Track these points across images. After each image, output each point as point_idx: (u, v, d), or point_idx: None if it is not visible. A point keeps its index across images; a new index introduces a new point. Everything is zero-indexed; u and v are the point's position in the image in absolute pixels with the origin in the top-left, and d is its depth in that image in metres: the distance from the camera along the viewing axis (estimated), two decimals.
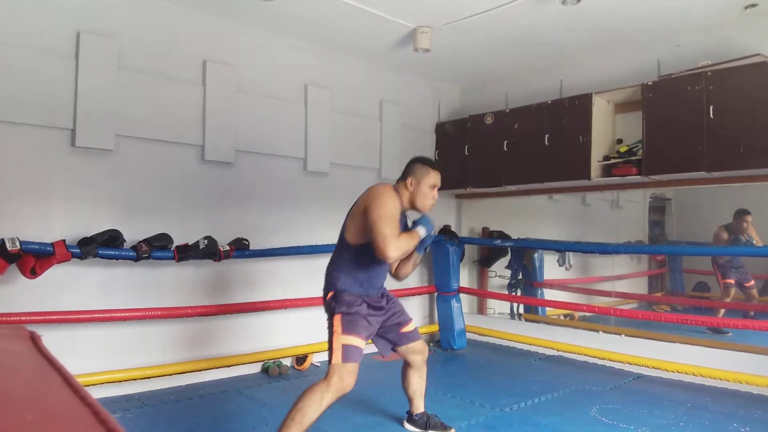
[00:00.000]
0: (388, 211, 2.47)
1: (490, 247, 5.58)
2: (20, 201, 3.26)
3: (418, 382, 3.00)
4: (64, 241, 3.20)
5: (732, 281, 5.16)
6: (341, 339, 2.51)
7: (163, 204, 3.83)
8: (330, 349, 2.56)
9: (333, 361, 2.50)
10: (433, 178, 2.70)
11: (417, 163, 2.75)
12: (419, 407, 3.03)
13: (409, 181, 2.70)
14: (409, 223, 2.65)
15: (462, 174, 5.26)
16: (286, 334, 4.34)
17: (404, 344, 2.88)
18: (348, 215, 2.68)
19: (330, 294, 2.64)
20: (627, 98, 4.37)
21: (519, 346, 5.06)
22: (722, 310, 5.17)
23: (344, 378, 2.46)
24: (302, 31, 4.37)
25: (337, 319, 2.56)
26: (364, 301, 2.62)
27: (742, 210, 4.93)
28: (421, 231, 2.59)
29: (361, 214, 2.54)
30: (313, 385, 2.48)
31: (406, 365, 2.99)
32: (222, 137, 4.05)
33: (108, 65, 3.53)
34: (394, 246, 2.41)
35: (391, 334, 2.85)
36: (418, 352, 2.93)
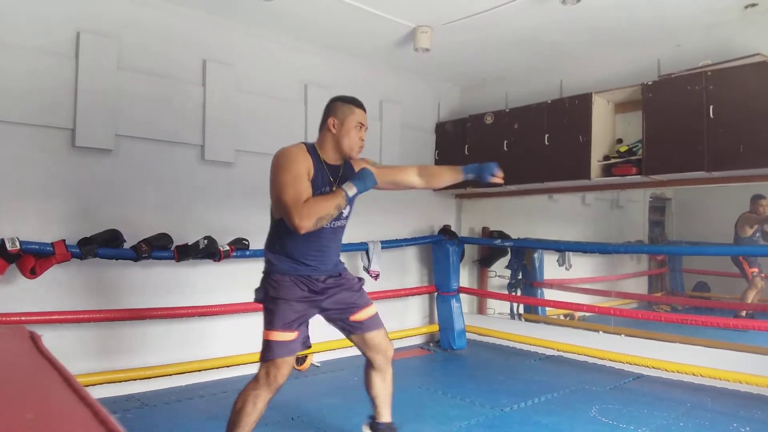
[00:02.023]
0: (287, 174, 2.16)
1: (490, 247, 5.58)
2: (20, 201, 3.26)
3: (380, 386, 2.54)
4: (64, 241, 3.20)
5: (757, 270, 4.92)
6: (265, 333, 2.27)
7: (163, 204, 3.83)
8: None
9: (260, 357, 2.29)
10: (359, 115, 2.37)
11: (337, 101, 2.41)
12: (383, 416, 2.60)
13: (330, 122, 2.35)
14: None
15: None
16: None
17: (356, 334, 2.45)
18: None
19: (262, 278, 2.37)
20: (627, 98, 4.37)
21: (519, 346, 5.06)
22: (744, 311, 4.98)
23: (271, 373, 2.24)
24: (302, 31, 4.37)
25: (264, 308, 2.32)
26: (294, 282, 2.28)
27: (757, 195, 4.77)
28: (350, 188, 2.23)
29: (271, 184, 2.27)
30: (245, 387, 2.31)
31: (368, 364, 2.55)
32: (222, 137, 4.05)
33: (108, 65, 3.53)
34: (302, 214, 2.09)
35: (339, 322, 2.46)
36: (377, 350, 2.48)
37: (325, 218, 2.18)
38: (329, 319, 2.48)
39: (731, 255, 5.04)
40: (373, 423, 2.64)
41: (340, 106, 2.40)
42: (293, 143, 2.39)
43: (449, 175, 2.72)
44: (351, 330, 2.47)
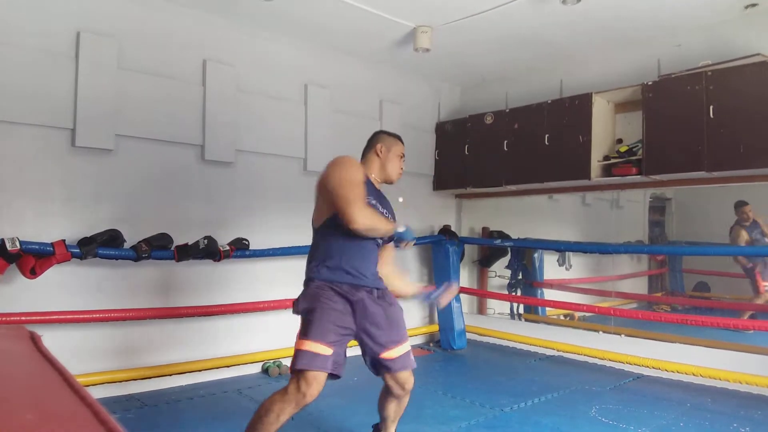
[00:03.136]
0: (349, 175, 2.25)
1: (490, 247, 5.58)
2: (20, 201, 3.26)
3: (394, 410, 2.58)
4: (64, 241, 3.20)
5: None
6: (299, 344, 2.21)
7: (163, 204, 3.82)
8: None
9: (295, 365, 2.19)
10: (401, 148, 2.63)
11: (383, 134, 2.67)
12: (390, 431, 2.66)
13: (378, 147, 2.56)
14: (397, 227, 2.39)
15: (462, 174, 5.27)
16: (286, 334, 4.32)
17: (391, 372, 2.38)
18: (316, 192, 2.45)
19: (305, 285, 2.38)
20: (627, 98, 4.37)
21: (519, 346, 5.05)
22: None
23: (301, 387, 2.14)
24: (302, 31, 4.37)
25: (300, 321, 2.29)
26: (334, 291, 2.26)
27: (739, 202, 4.78)
28: (399, 226, 2.37)
29: (320, 190, 2.35)
30: (273, 394, 2.23)
31: (385, 388, 2.52)
32: (222, 137, 4.05)
33: (108, 65, 3.53)
34: (363, 212, 2.17)
35: (367, 355, 2.38)
36: (401, 387, 2.43)
37: (373, 232, 2.27)
38: (362, 346, 2.37)
39: (731, 255, 5.04)
40: None
41: (385, 137, 2.63)
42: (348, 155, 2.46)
43: (395, 284, 2.72)
44: (380, 368, 2.39)
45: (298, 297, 2.34)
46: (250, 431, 2.22)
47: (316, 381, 2.16)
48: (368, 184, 2.41)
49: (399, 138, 2.67)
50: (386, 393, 2.53)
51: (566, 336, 4.74)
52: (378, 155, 2.56)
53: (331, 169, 2.32)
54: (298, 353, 2.19)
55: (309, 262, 2.40)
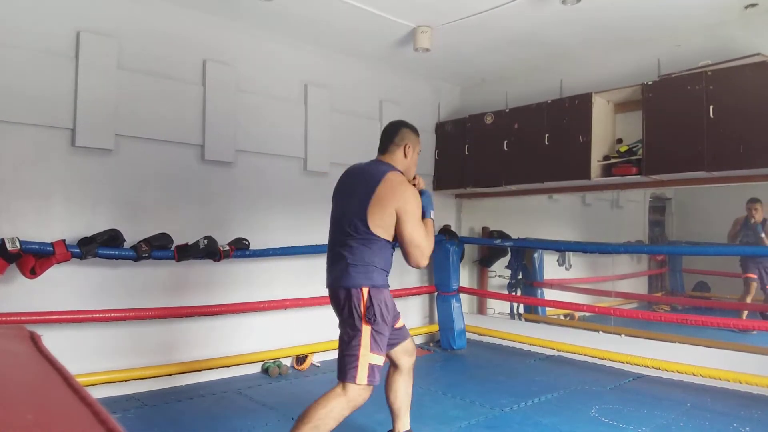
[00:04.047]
0: (418, 214, 2.32)
1: (490, 247, 5.58)
2: (20, 201, 3.26)
3: (405, 392, 2.62)
4: (64, 241, 3.20)
5: (754, 276, 4.93)
6: (368, 357, 2.22)
7: (163, 204, 3.82)
8: (348, 357, 2.24)
9: (357, 380, 2.20)
10: (419, 144, 2.61)
11: (407, 128, 2.55)
12: (405, 424, 2.66)
13: (407, 148, 2.49)
14: None
15: (462, 174, 5.26)
16: (286, 334, 4.33)
17: (398, 343, 2.53)
18: (366, 201, 2.31)
19: (351, 291, 2.27)
20: (627, 98, 4.37)
21: (519, 346, 5.05)
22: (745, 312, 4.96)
23: (362, 394, 2.24)
24: (302, 31, 4.37)
25: (367, 332, 2.23)
26: (392, 300, 2.37)
27: (752, 198, 4.76)
28: (431, 214, 2.45)
29: (387, 210, 2.28)
30: (329, 398, 2.22)
31: (394, 371, 2.61)
32: (222, 137, 4.05)
33: (108, 65, 3.53)
34: (428, 255, 2.32)
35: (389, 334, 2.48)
36: (409, 353, 2.61)
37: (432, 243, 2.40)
38: None
39: (731, 255, 5.03)
40: None
41: (412, 136, 2.55)
42: (396, 171, 2.45)
43: None
44: (393, 338, 2.48)
45: (360, 302, 2.25)
46: (309, 428, 2.17)
47: (371, 391, 2.30)
48: None
49: (418, 133, 2.64)
50: (395, 375, 2.61)
51: (566, 336, 4.74)
52: (405, 156, 2.52)
53: (404, 205, 2.29)
54: (370, 368, 2.22)
55: (364, 264, 2.29)
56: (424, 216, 2.40)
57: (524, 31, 4.26)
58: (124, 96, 3.59)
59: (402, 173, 2.45)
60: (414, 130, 2.59)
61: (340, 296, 2.32)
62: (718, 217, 5.09)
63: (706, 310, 5.34)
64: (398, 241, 2.36)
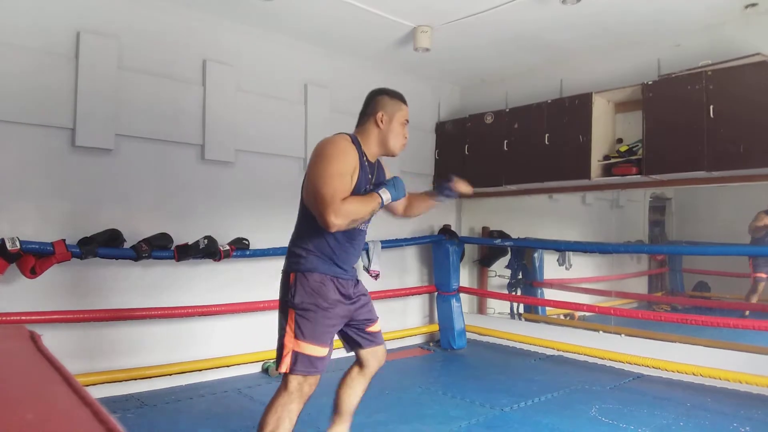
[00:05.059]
0: (331, 166, 1.98)
1: (490, 246, 5.58)
2: (20, 201, 3.26)
3: (358, 395, 2.40)
4: (64, 240, 3.20)
5: (764, 275, 4.85)
6: (293, 344, 2.05)
7: (163, 204, 3.83)
8: (280, 348, 2.11)
9: (280, 367, 2.07)
10: (406, 112, 2.28)
11: (384, 95, 2.28)
12: (346, 427, 2.43)
13: (379, 116, 2.21)
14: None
15: (462, 174, 5.16)
16: None
17: (369, 347, 2.34)
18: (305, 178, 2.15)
19: (292, 276, 2.11)
20: (627, 98, 4.37)
21: (519, 346, 5.06)
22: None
23: (304, 388, 2.08)
24: (302, 31, 4.37)
25: (291, 315, 2.07)
26: (333, 284, 2.11)
27: None
28: (384, 194, 2.09)
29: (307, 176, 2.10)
30: (273, 400, 2.09)
31: (356, 371, 2.40)
32: (222, 137, 4.05)
33: (108, 65, 3.53)
34: (338, 211, 1.91)
35: (356, 332, 2.31)
36: (378, 360, 2.39)
37: (358, 221, 2.05)
38: (348, 327, 2.30)
39: (731, 255, 5.02)
40: None
41: (388, 101, 2.26)
42: (338, 133, 2.19)
43: (425, 205, 2.60)
44: (364, 341, 2.33)
45: (291, 285, 2.08)
46: None
47: (315, 381, 2.13)
48: (363, 169, 2.14)
49: (403, 99, 2.32)
50: (354, 374, 2.41)
51: (566, 336, 4.74)
52: (378, 125, 2.22)
53: (313, 160, 2.05)
54: (294, 355, 2.05)
55: (300, 246, 2.14)
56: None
57: (524, 31, 4.26)
58: (124, 96, 3.59)
59: (350, 137, 2.19)
60: (392, 95, 2.30)
61: (282, 279, 2.19)
62: (718, 217, 5.09)
63: (706, 310, 5.34)
64: (303, 202, 2.14)
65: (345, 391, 2.40)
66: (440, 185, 2.52)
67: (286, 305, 2.11)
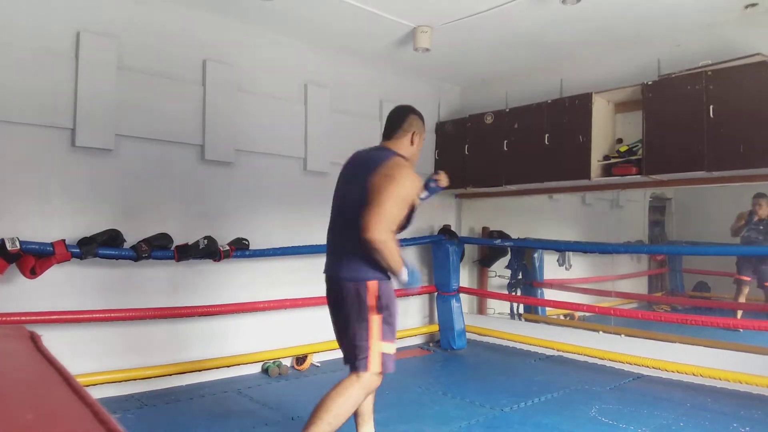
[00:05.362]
0: (402, 190, 2.19)
1: (490, 246, 5.58)
2: (20, 201, 3.26)
3: (372, 395, 2.55)
4: (63, 240, 3.20)
5: (747, 278, 4.88)
6: (380, 346, 2.25)
7: (163, 204, 3.82)
8: (359, 348, 2.24)
9: (369, 368, 2.23)
10: (425, 132, 2.55)
11: (416, 115, 2.48)
12: (372, 428, 2.59)
13: (414, 136, 2.43)
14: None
15: (462, 174, 5.26)
16: (286, 334, 4.33)
17: None
18: (365, 188, 2.24)
19: (358, 284, 2.25)
20: (627, 98, 4.37)
21: (519, 346, 5.05)
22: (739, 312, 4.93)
23: (376, 381, 2.29)
24: (302, 31, 4.37)
25: (377, 321, 2.24)
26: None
27: (757, 193, 4.72)
28: (404, 275, 2.27)
29: (373, 188, 2.23)
30: (345, 386, 2.24)
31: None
32: (222, 137, 4.05)
33: (108, 65, 3.52)
34: (384, 234, 2.12)
35: None
36: None
37: (378, 255, 2.18)
38: None
39: (731, 255, 5.03)
40: None
41: (419, 122, 2.48)
42: (399, 156, 2.37)
43: None
44: None
45: (374, 292, 2.24)
46: (330, 416, 2.18)
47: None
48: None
49: (424, 121, 2.58)
50: None
51: (566, 336, 4.74)
52: (412, 142, 2.45)
53: (388, 178, 2.20)
54: (382, 356, 2.25)
55: (354, 251, 2.25)
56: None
57: (524, 30, 4.26)
58: (124, 96, 3.59)
59: (406, 159, 2.41)
60: (421, 117, 2.53)
61: (345, 287, 2.30)
62: (718, 217, 5.09)
63: (706, 310, 5.34)
64: (361, 210, 2.22)
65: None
66: (426, 179, 2.73)
67: (369, 311, 2.25)
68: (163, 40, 3.82)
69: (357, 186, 2.29)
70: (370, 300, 2.25)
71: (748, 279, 4.93)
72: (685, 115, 3.80)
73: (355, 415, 2.51)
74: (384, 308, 2.26)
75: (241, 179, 4.20)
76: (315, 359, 4.47)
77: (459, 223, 5.85)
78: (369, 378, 2.26)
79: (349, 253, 2.30)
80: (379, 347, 2.25)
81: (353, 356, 2.29)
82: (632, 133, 4.33)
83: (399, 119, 2.47)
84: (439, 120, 5.70)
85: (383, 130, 2.54)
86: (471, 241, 5.59)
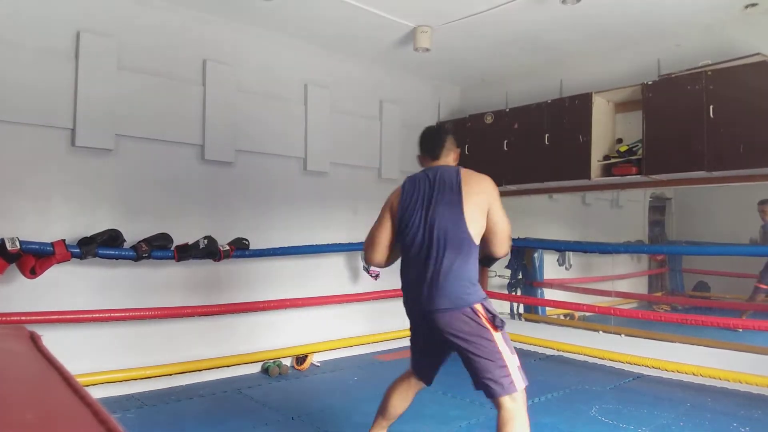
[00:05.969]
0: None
1: None
2: (20, 201, 3.26)
3: (408, 404, 2.61)
4: (63, 240, 3.20)
5: (766, 287, 4.79)
6: (514, 360, 2.27)
7: (163, 204, 3.83)
8: (498, 370, 2.24)
9: (517, 386, 2.25)
10: None
11: (451, 135, 2.63)
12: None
13: (456, 155, 2.59)
14: None
15: None
16: (286, 334, 4.33)
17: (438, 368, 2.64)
18: (458, 206, 2.29)
19: (471, 310, 2.27)
20: (627, 98, 4.37)
21: (519, 346, 5.04)
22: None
23: (524, 396, 2.32)
24: (302, 31, 4.37)
25: (500, 338, 2.25)
26: None
27: (763, 200, 4.68)
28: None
29: (483, 210, 2.30)
30: (506, 419, 2.28)
31: (414, 381, 2.62)
32: (222, 137, 4.05)
33: (108, 65, 3.53)
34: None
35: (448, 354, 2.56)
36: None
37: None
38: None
39: (731, 255, 5.02)
40: None
41: (454, 141, 2.61)
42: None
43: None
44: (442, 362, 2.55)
45: (492, 313, 2.31)
46: None
47: None
48: None
49: None
50: (414, 386, 2.60)
51: (566, 336, 4.74)
52: (455, 160, 2.61)
53: (495, 198, 2.34)
54: (520, 369, 2.28)
55: (470, 279, 2.34)
56: None
57: (524, 31, 4.26)
58: (124, 96, 3.59)
59: None
60: (453, 135, 2.71)
61: (454, 317, 2.26)
62: (718, 217, 5.09)
63: (706, 310, 5.33)
64: (488, 233, 2.36)
65: (398, 398, 2.55)
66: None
67: (491, 332, 2.26)
68: (163, 40, 3.82)
69: (449, 209, 2.30)
70: (487, 321, 2.27)
71: (766, 288, 4.83)
72: (685, 115, 3.80)
73: (379, 413, 2.54)
74: (500, 323, 2.27)
75: (241, 179, 4.20)
76: (315, 359, 4.47)
77: None
78: (522, 395, 2.28)
79: (453, 279, 2.29)
80: (513, 362, 2.27)
81: (494, 381, 2.26)
82: (632, 133, 4.33)
83: (440, 139, 2.57)
84: (439, 120, 5.70)
85: (423, 151, 2.59)
86: None
